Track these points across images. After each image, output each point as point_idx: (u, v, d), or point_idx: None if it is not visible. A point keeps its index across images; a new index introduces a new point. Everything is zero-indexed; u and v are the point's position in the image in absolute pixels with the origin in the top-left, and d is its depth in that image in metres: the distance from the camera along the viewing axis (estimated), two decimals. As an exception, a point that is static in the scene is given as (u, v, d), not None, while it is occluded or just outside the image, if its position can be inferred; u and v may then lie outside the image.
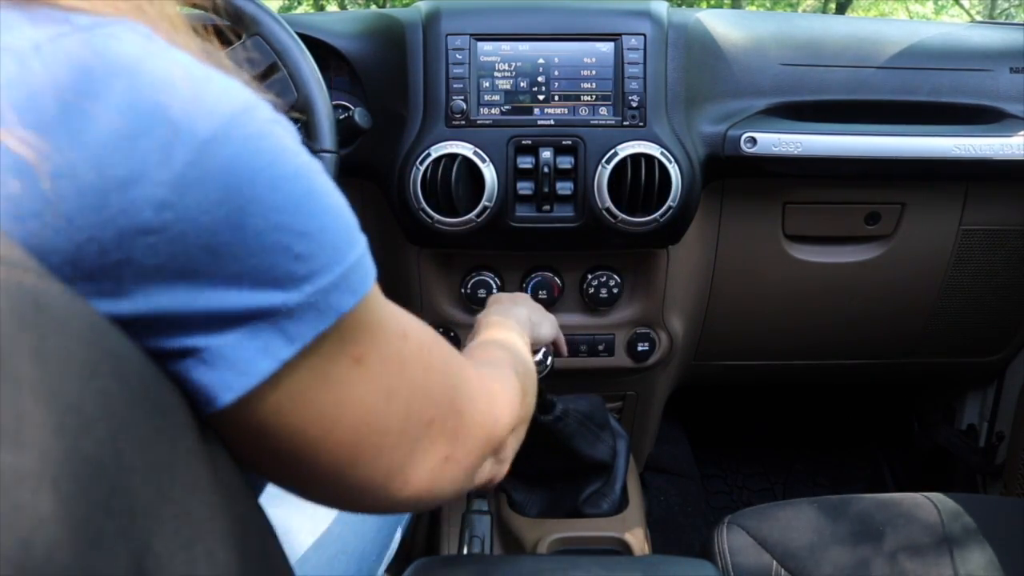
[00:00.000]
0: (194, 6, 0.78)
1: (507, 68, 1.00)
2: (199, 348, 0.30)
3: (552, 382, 0.98)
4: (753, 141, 1.01)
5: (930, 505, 0.90)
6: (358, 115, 0.98)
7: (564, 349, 0.94)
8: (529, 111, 1.00)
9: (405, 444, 0.39)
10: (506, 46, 1.00)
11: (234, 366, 0.30)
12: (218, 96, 0.29)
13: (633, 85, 0.99)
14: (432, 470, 0.42)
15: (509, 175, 0.99)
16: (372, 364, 0.36)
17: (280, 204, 0.30)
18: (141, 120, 0.27)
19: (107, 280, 0.27)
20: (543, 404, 1.05)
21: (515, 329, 0.72)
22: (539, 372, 0.94)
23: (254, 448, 0.35)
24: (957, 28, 1.19)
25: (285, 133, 0.31)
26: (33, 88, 0.26)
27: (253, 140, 0.29)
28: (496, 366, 0.59)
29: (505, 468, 0.55)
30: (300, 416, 0.34)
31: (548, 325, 0.84)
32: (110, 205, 0.27)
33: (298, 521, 0.78)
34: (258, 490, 0.45)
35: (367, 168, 1.04)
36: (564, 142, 0.99)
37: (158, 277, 0.28)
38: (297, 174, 0.31)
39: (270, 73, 0.84)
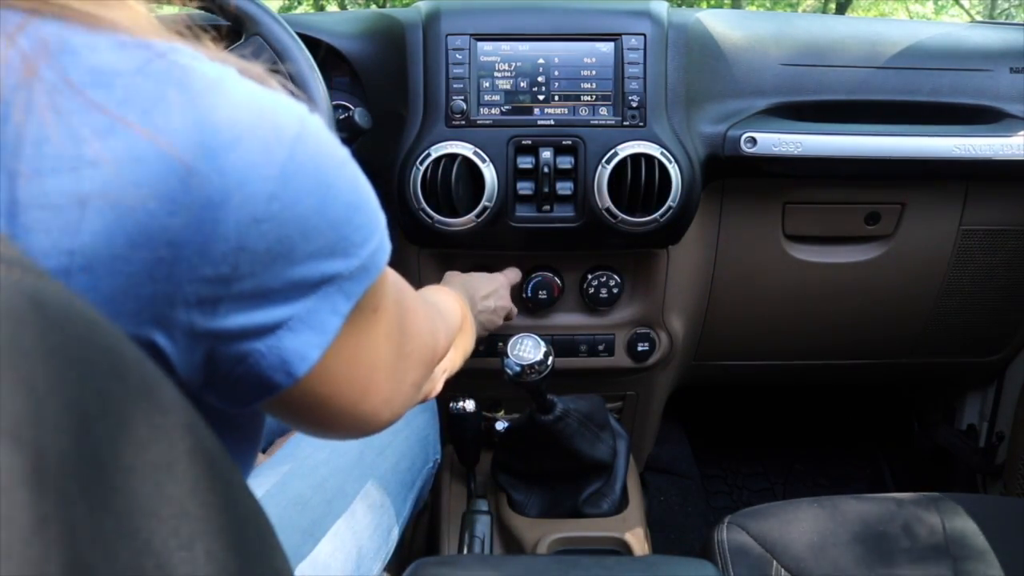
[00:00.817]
0: (194, 6, 0.78)
1: (507, 68, 1.00)
2: (288, 318, 0.35)
3: (552, 382, 0.98)
4: (753, 141, 1.01)
5: (930, 505, 0.90)
6: (358, 115, 0.98)
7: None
8: (529, 111, 1.00)
9: (395, 376, 0.47)
10: (506, 46, 1.00)
11: (312, 327, 0.36)
12: (287, 103, 0.34)
13: (633, 85, 0.99)
14: (406, 393, 0.50)
15: (509, 175, 0.99)
16: (381, 311, 0.43)
17: (345, 186, 0.36)
18: (245, 126, 0.32)
19: (226, 265, 0.32)
20: (543, 404, 1.05)
21: (466, 302, 0.84)
22: (539, 372, 0.94)
23: (286, 402, 0.38)
24: (957, 28, 1.19)
25: (328, 128, 0.37)
26: (150, 104, 0.30)
27: (320, 135, 0.35)
28: (441, 301, 0.71)
29: (439, 386, 0.67)
30: (335, 363, 0.39)
31: (493, 300, 0.97)
32: (231, 200, 0.31)
33: (296, 519, 0.78)
34: (245, 474, 0.45)
35: (367, 168, 1.02)
36: (564, 142, 0.99)
37: (265, 258, 0.33)
38: (347, 159, 0.37)
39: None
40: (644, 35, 1.00)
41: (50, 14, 0.31)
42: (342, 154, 0.37)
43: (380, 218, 0.39)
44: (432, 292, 0.79)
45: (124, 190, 0.29)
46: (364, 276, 0.38)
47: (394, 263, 0.42)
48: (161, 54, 0.32)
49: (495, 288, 0.98)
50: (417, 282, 1.10)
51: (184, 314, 0.32)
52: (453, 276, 0.96)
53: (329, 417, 0.43)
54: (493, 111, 1.00)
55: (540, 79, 1.00)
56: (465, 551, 1.11)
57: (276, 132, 0.33)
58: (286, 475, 0.82)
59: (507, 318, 1.03)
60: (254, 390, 0.37)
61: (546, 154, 0.99)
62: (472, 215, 0.98)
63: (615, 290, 1.12)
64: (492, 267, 1.11)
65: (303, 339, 0.36)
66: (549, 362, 0.95)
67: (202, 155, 0.30)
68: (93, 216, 0.29)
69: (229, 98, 0.32)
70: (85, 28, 0.31)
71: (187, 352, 0.34)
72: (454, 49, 0.99)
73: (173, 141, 0.30)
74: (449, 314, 0.70)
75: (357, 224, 0.37)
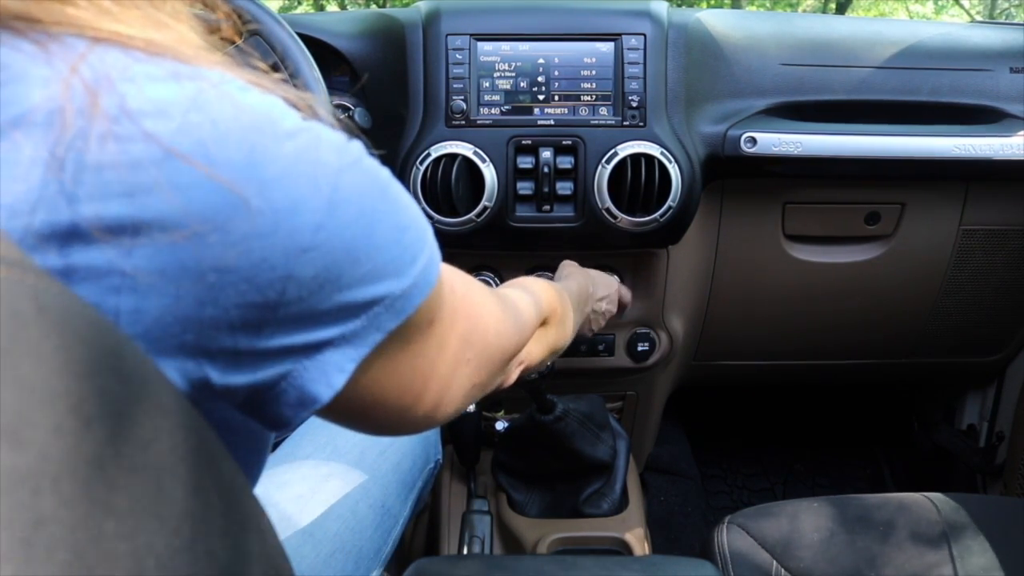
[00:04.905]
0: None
1: (507, 68, 1.00)
2: (334, 338, 0.36)
3: (552, 382, 0.98)
4: (753, 141, 1.01)
5: (930, 505, 0.90)
6: (358, 115, 0.98)
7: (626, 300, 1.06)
8: (529, 111, 1.00)
9: (451, 383, 0.47)
10: (506, 46, 1.00)
11: (351, 343, 0.37)
12: (328, 135, 0.35)
13: (633, 85, 0.99)
14: (465, 395, 0.50)
15: (509, 175, 0.99)
16: (436, 322, 0.43)
17: (390, 208, 0.37)
18: (294, 159, 0.32)
19: (273, 291, 0.33)
20: (543, 405, 1.05)
21: (564, 295, 0.78)
22: (539, 372, 0.94)
23: (330, 409, 0.39)
24: (957, 28, 1.19)
25: (368, 154, 0.37)
26: (205, 135, 0.31)
27: (363, 162, 0.36)
28: (518, 296, 0.67)
29: (513, 377, 0.65)
30: (382, 375, 0.40)
31: (606, 304, 0.96)
32: (280, 230, 0.32)
33: (296, 519, 0.78)
34: (253, 481, 0.45)
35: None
36: (564, 142, 0.99)
37: (312, 284, 0.33)
38: (390, 181, 0.37)
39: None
40: (644, 35, 1.00)
41: (110, 41, 0.31)
42: (385, 177, 0.37)
43: (427, 234, 0.40)
44: (517, 286, 0.73)
45: (179, 218, 0.30)
46: (415, 293, 0.39)
47: None
48: (215, 84, 0.32)
49: (609, 293, 0.98)
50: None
51: (228, 336, 0.33)
52: (572, 268, 0.94)
53: (377, 421, 0.44)
54: (493, 111, 1.00)
55: (540, 79, 1.00)
56: (465, 551, 1.11)
57: (321, 164, 0.33)
58: (286, 475, 0.82)
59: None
60: (294, 403, 0.37)
61: (546, 154, 0.99)
62: (472, 215, 0.98)
63: (615, 290, 1.11)
64: (492, 267, 1.11)
65: (342, 352, 0.37)
66: (549, 362, 0.95)
67: (254, 188, 0.31)
68: (146, 241, 0.30)
69: (276, 132, 0.33)
70: (144, 55, 0.32)
71: (228, 370, 0.34)
72: (454, 49, 0.99)
73: (226, 173, 0.31)
74: (527, 310, 0.66)
75: (405, 244, 0.37)
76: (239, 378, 0.35)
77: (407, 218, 0.38)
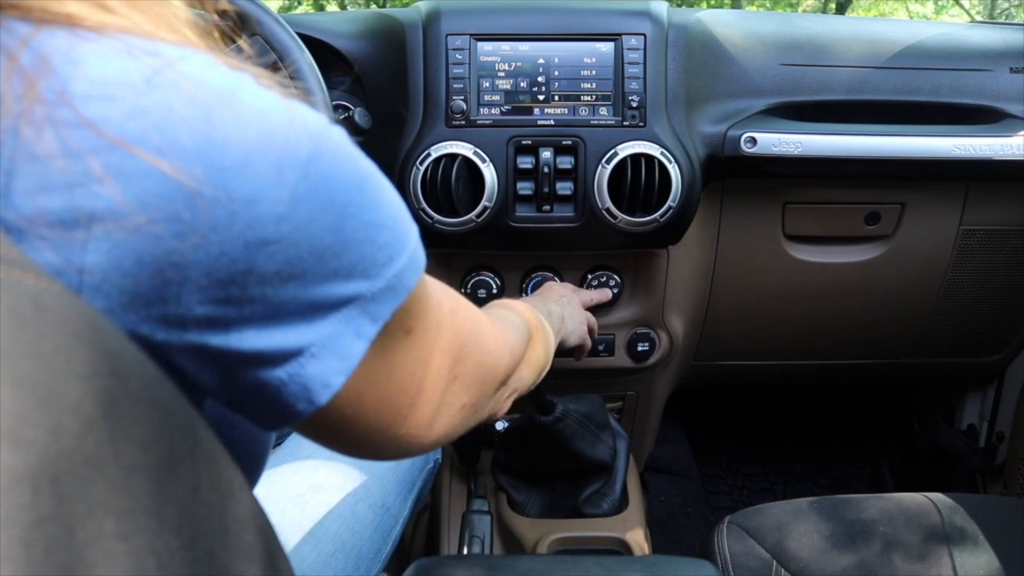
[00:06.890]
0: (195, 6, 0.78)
1: (507, 68, 1.00)
2: (309, 344, 0.34)
3: (552, 382, 0.98)
4: (753, 141, 1.01)
5: (930, 505, 0.90)
6: (358, 115, 0.98)
7: (582, 355, 1.04)
8: (529, 111, 1.00)
9: (436, 400, 0.45)
10: (506, 46, 1.00)
11: (336, 353, 0.35)
12: (303, 117, 0.32)
13: (633, 85, 0.99)
14: (453, 416, 0.48)
15: (509, 175, 0.99)
16: (418, 333, 0.41)
17: (366, 204, 0.34)
18: (258, 145, 0.30)
19: (235, 286, 0.31)
20: (543, 405, 1.05)
21: (541, 315, 0.78)
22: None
23: (309, 424, 0.38)
24: (957, 28, 1.19)
25: (350, 142, 0.35)
26: (157, 119, 0.29)
27: (338, 152, 0.33)
28: (505, 317, 0.66)
29: (507, 406, 0.63)
30: (361, 388, 0.38)
31: (576, 338, 0.93)
32: (238, 222, 0.30)
33: (296, 519, 0.78)
34: (252, 484, 0.45)
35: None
36: (564, 142, 0.99)
37: (276, 280, 0.32)
38: (370, 175, 0.35)
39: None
40: (644, 35, 1.00)
41: (57, 23, 0.29)
42: (364, 170, 0.35)
43: (409, 236, 0.37)
44: (502, 307, 0.74)
45: (128, 210, 0.28)
46: (391, 297, 0.36)
47: None
48: (171, 63, 0.30)
49: (575, 330, 0.94)
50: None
51: (196, 335, 0.31)
52: (553, 293, 0.96)
53: (357, 439, 0.42)
54: (493, 111, 1.00)
55: (540, 79, 1.00)
56: (465, 551, 1.11)
57: (288, 151, 0.31)
58: (286, 475, 0.82)
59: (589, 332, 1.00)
60: (276, 416, 0.36)
61: (546, 154, 0.99)
62: (472, 215, 0.98)
63: (615, 290, 1.12)
64: (492, 267, 1.11)
65: (326, 365, 0.35)
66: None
67: (208, 176, 0.29)
68: (99, 235, 0.28)
69: (240, 113, 0.30)
70: (94, 35, 0.30)
71: (205, 371, 0.33)
72: (454, 49, 0.99)
73: (178, 162, 0.29)
74: (517, 331, 0.65)
75: (381, 243, 0.35)
76: (215, 379, 0.33)
77: (385, 216, 0.35)
